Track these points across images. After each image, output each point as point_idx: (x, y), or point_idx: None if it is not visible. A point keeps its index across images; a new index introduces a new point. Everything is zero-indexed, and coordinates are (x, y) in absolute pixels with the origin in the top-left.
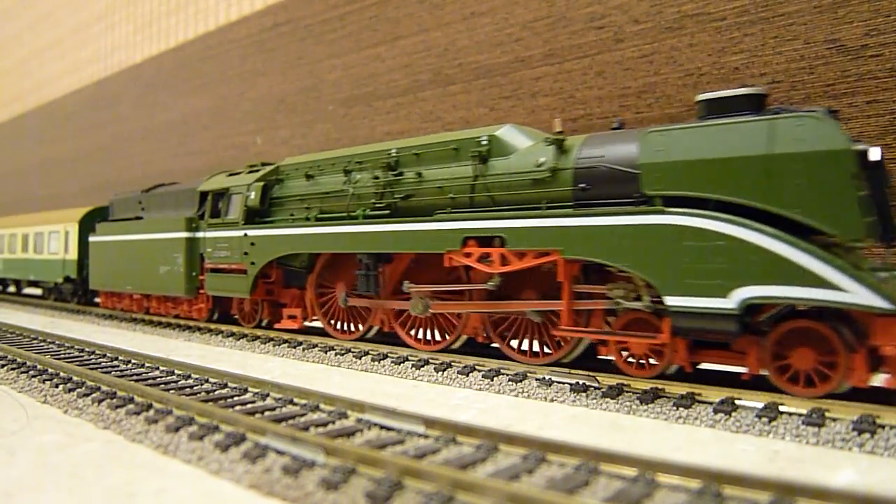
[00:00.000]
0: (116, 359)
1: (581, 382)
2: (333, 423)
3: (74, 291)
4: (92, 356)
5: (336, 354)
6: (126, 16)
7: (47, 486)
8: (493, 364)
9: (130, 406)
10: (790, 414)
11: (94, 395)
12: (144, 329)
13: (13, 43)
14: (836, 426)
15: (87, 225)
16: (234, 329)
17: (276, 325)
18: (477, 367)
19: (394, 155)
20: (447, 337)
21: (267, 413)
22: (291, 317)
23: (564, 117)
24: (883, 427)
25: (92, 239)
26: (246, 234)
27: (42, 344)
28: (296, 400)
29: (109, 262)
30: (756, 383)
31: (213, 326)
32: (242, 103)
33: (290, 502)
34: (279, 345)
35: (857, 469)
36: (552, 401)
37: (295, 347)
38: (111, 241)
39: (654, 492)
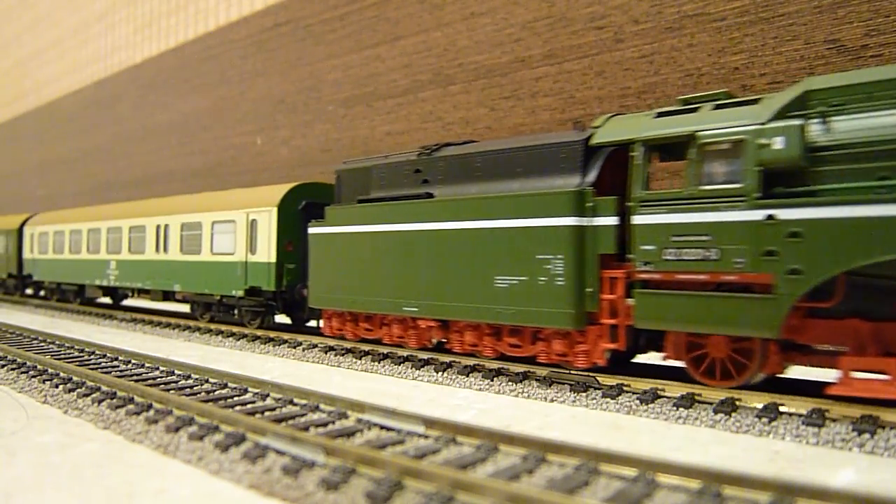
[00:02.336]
0: (116, 359)
1: (581, 382)
2: (333, 423)
3: (265, 310)
4: (92, 356)
5: (336, 355)
6: (126, 16)
7: (47, 487)
8: (493, 364)
9: (130, 406)
10: (790, 414)
11: (94, 396)
12: (144, 329)
13: (13, 43)
14: (836, 426)
15: (288, 211)
16: (235, 329)
17: (836, 390)
18: (477, 368)
19: None
20: None
21: (267, 413)
22: (861, 374)
23: (564, 118)
24: (883, 427)
25: (314, 231)
26: (771, 218)
27: (42, 344)
28: (296, 400)
29: (356, 268)
30: (757, 384)
31: (213, 326)
32: (242, 103)
33: (290, 502)
34: (279, 345)
35: (857, 469)
36: (552, 401)
37: (295, 348)
38: (361, 233)
39: (654, 492)
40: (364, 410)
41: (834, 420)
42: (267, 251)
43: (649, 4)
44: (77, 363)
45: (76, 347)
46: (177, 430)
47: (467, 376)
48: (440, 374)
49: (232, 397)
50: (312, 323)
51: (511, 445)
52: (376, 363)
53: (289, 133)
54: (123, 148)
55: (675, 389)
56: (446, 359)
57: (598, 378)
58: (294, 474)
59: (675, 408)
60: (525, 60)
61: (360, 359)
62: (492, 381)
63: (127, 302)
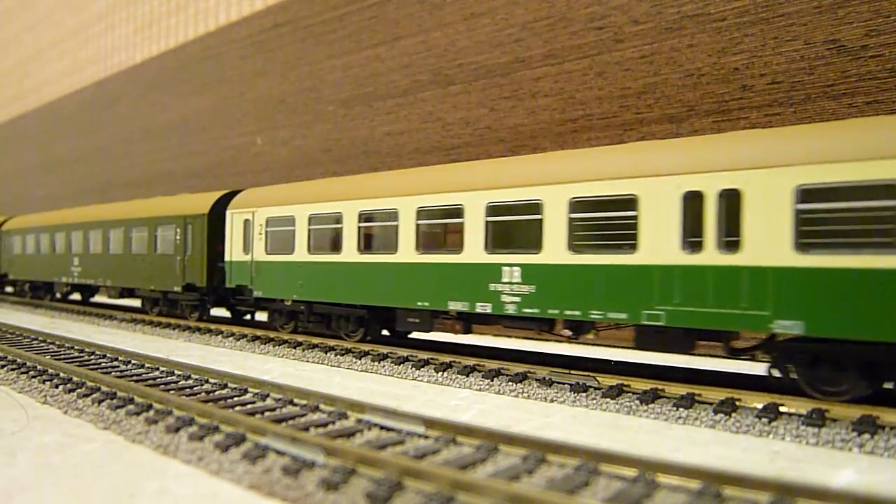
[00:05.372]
0: (116, 359)
1: (581, 383)
2: (333, 423)
3: None
4: (92, 356)
5: (336, 355)
6: (126, 16)
7: (47, 487)
8: (493, 364)
9: (130, 406)
10: (790, 414)
11: (94, 396)
12: (144, 329)
13: (13, 44)
14: (836, 427)
15: None
16: (235, 329)
17: None
18: (477, 368)
19: None
20: None
21: (267, 413)
22: None
23: (564, 118)
24: (883, 427)
25: None
26: None
27: (42, 344)
28: (296, 400)
29: None
30: (757, 384)
31: (213, 326)
32: (242, 104)
33: (290, 503)
34: (279, 345)
35: (857, 469)
36: (552, 401)
37: (295, 348)
38: None
39: (654, 492)
40: (364, 411)
41: (834, 420)
42: None
43: (649, 5)
44: (77, 363)
45: (76, 347)
46: (177, 430)
47: (467, 376)
48: (440, 374)
49: (232, 398)
50: None
51: (511, 446)
52: (376, 363)
53: (289, 133)
54: (123, 148)
55: (676, 389)
56: (446, 359)
57: (598, 378)
58: (294, 474)
59: (675, 408)
60: (525, 60)
61: (360, 359)
62: (491, 381)
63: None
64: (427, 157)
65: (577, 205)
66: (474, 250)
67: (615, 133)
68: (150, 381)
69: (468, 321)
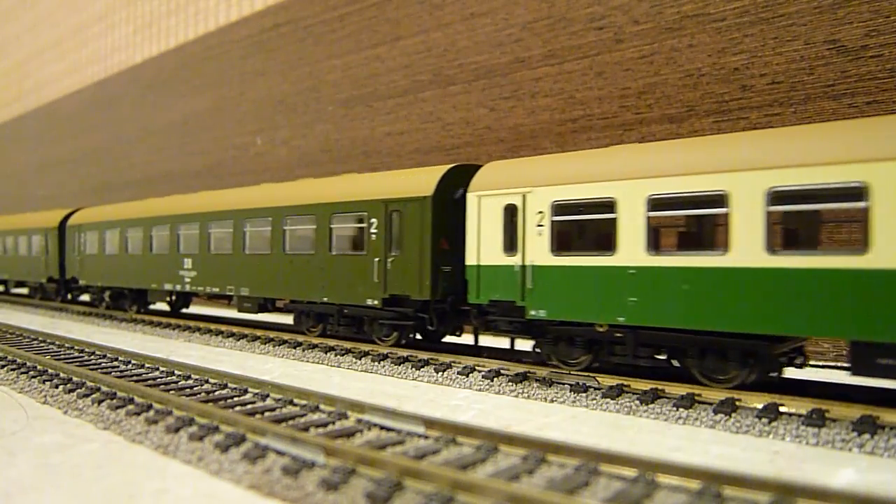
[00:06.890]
0: (116, 359)
1: (581, 383)
2: (333, 423)
3: None
4: (92, 357)
5: (336, 355)
6: (126, 16)
7: (47, 487)
8: (493, 364)
9: (130, 407)
10: (790, 414)
11: (94, 396)
12: (144, 330)
13: (13, 44)
14: (836, 427)
15: None
16: (234, 329)
17: None
18: (477, 368)
19: None
20: None
21: (267, 414)
22: None
23: (564, 118)
24: (883, 427)
25: None
26: None
27: (42, 344)
28: (296, 400)
29: None
30: (756, 384)
31: (213, 326)
32: (242, 104)
33: (290, 503)
34: (279, 345)
35: (857, 469)
36: (552, 401)
37: (295, 348)
38: None
39: (654, 492)
40: (364, 411)
41: (834, 420)
42: None
43: (649, 5)
44: (77, 363)
45: (76, 348)
46: (177, 430)
47: (467, 377)
48: (440, 374)
49: (232, 398)
50: None
51: (511, 446)
52: (376, 363)
53: (289, 133)
54: (123, 148)
55: (676, 390)
56: (446, 359)
57: (598, 378)
58: (294, 475)
59: (675, 408)
60: (525, 60)
61: (360, 359)
62: (492, 381)
63: None
64: (427, 158)
65: None
66: None
67: (615, 133)
68: (150, 381)
69: None
